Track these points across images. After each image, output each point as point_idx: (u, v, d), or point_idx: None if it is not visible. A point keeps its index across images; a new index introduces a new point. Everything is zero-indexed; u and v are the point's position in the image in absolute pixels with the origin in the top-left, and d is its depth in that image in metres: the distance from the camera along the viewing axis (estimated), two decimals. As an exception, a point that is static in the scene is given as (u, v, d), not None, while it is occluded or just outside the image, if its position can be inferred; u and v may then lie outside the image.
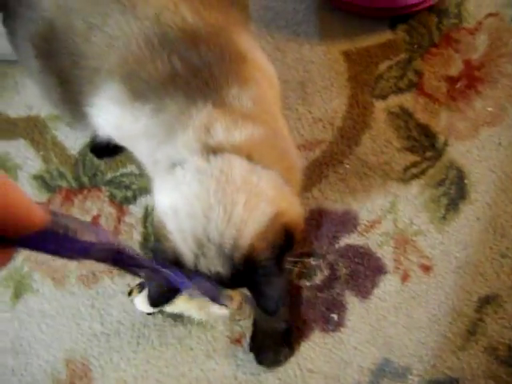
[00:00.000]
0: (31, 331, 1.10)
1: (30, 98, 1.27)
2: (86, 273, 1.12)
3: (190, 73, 0.76)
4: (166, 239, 0.72)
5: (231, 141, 0.74)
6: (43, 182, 1.21)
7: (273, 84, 0.87)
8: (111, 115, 0.82)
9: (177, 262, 0.71)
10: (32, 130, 1.26)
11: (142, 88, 0.78)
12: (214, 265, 0.70)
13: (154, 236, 0.77)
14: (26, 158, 1.24)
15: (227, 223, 0.70)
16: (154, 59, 0.77)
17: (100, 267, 1.12)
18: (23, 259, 1.15)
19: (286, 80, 1.22)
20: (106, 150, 1.16)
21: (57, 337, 1.09)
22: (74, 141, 1.22)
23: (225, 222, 0.70)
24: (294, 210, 0.76)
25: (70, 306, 1.10)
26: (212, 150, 0.73)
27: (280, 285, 0.72)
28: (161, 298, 0.74)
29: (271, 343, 1.02)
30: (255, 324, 1.04)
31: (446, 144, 1.13)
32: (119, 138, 0.86)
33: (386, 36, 1.22)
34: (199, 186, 0.71)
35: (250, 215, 0.70)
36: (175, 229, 0.72)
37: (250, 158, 0.73)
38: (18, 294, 1.13)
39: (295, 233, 0.75)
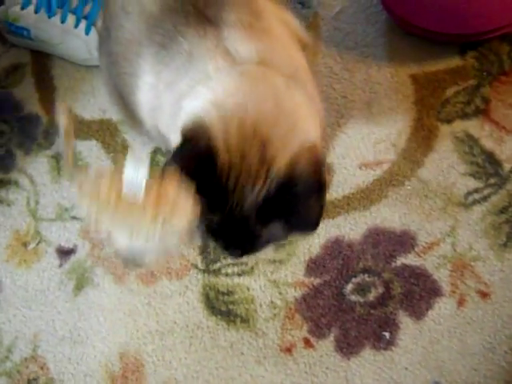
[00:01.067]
0: (89, 323, 1.14)
1: (104, 102, 1.34)
2: (146, 272, 1.16)
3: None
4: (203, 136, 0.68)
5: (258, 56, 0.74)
6: (111, 182, 1.27)
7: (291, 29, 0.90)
8: (148, 90, 0.86)
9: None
10: (104, 132, 1.32)
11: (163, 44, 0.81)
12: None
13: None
14: (96, 158, 1.30)
15: (278, 124, 0.67)
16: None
17: (159, 267, 1.16)
18: (87, 254, 1.20)
19: (353, 100, 1.24)
20: None
21: (113, 330, 1.13)
22: (141, 145, 1.27)
23: (276, 121, 0.67)
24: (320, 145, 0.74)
25: (128, 302, 1.14)
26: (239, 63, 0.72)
27: (321, 202, 0.69)
28: None
29: None
30: None
31: (510, 172, 1.12)
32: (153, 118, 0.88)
33: (455, 62, 1.23)
34: (242, 82, 0.70)
35: (297, 126, 0.69)
36: (218, 123, 0.69)
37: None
38: (79, 287, 1.17)
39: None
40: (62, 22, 1.34)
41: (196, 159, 0.68)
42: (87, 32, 1.34)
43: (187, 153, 0.69)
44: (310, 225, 0.71)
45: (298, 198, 0.68)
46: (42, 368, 1.12)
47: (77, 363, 1.12)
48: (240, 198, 0.69)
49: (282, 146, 0.67)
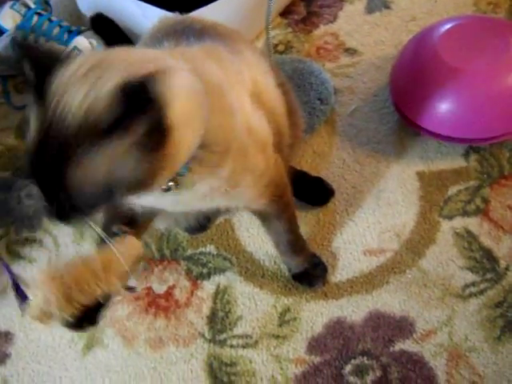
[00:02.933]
0: (95, 383, 1.18)
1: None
2: (154, 336, 1.21)
3: None
4: None
5: None
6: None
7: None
8: None
9: None
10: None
11: None
12: None
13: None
14: (118, 225, 1.38)
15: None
16: None
17: (167, 333, 1.21)
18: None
19: (362, 190, 1.33)
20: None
21: (117, 392, 1.17)
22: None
23: None
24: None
25: (134, 365, 1.19)
26: None
27: None
28: None
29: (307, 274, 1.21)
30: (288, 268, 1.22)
31: (507, 269, 1.18)
32: None
33: (458, 163, 1.33)
34: None
35: None
36: None
37: None
38: (89, 346, 1.22)
39: None
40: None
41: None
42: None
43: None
44: None
45: None
46: (44, 424, 1.15)
47: (79, 422, 1.15)
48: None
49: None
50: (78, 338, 1.24)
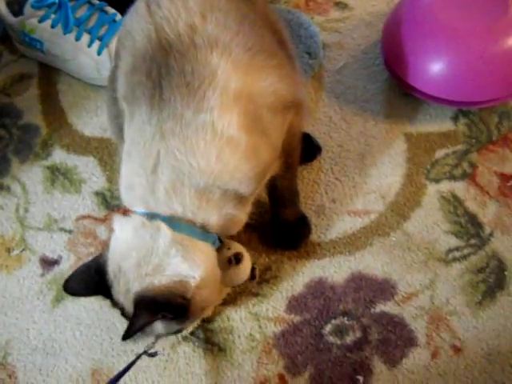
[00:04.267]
0: (65, 336, 1.13)
1: (106, 122, 1.36)
2: (128, 290, 1.16)
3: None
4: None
5: None
6: (103, 199, 1.28)
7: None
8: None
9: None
10: (103, 150, 1.35)
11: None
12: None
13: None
14: (91, 174, 1.32)
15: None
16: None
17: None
18: (70, 266, 1.20)
19: (348, 149, 1.30)
20: None
21: (88, 346, 1.12)
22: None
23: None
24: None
25: (107, 319, 1.14)
26: None
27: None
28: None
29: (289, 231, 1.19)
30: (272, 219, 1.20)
31: (491, 235, 1.17)
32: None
33: (446, 126, 1.30)
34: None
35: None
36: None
37: None
38: (59, 298, 1.17)
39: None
40: (77, 39, 1.38)
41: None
42: (99, 52, 1.38)
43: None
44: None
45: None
46: (10, 376, 1.10)
47: (47, 375, 1.10)
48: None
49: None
50: (47, 289, 1.18)
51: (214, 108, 0.86)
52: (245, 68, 0.89)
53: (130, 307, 0.93)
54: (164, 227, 0.91)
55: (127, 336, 0.88)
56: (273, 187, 1.11)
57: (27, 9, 1.42)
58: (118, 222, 0.96)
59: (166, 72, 0.87)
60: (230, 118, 0.87)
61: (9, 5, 1.45)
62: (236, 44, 0.89)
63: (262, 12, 1.03)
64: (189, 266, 0.91)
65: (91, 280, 0.95)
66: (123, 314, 0.96)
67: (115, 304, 0.96)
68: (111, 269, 0.93)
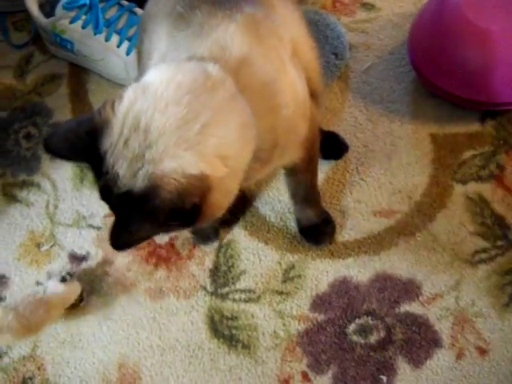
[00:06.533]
0: (92, 330, 1.16)
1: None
2: (154, 287, 1.18)
3: None
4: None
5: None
6: (131, 196, 1.30)
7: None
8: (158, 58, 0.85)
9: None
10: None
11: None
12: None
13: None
14: (120, 172, 1.33)
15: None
16: None
17: (168, 284, 1.18)
18: (98, 262, 1.22)
19: (373, 150, 1.29)
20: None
21: (115, 340, 1.14)
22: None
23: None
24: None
25: (133, 315, 1.16)
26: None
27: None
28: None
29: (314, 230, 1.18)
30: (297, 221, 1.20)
31: (518, 237, 1.16)
32: None
33: (474, 127, 1.29)
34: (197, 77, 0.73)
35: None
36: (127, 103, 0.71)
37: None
38: (87, 293, 1.19)
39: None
40: (107, 40, 1.40)
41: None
42: (128, 53, 1.40)
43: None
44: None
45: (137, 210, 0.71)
46: (39, 368, 1.13)
47: (74, 367, 1.12)
48: (114, 176, 0.71)
49: (166, 155, 0.69)
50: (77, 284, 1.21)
51: None
52: None
53: (131, 182, 0.70)
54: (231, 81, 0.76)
55: (121, 246, 0.75)
56: (294, 185, 1.11)
57: (58, 10, 1.45)
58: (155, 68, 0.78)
59: None
60: None
61: (41, 6, 1.48)
62: None
63: None
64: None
65: (79, 142, 0.73)
66: (108, 187, 0.73)
67: (101, 175, 0.73)
68: (119, 127, 0.71)
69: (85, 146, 0.72)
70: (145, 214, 0.70)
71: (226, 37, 0.80)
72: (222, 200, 0.76)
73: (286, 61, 0.88)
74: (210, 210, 0.74)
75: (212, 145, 0.71)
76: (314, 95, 0.98)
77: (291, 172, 1.07)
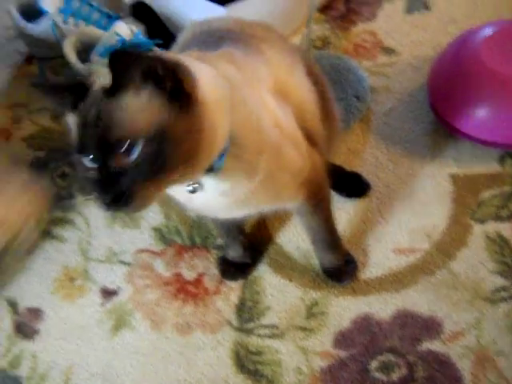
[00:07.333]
0: (122, 363, 1.20)
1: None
2: (182, 322, 1.23)
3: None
4: None
5: None
6: (161, 234, 1.36)
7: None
8: None
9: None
10: (160, 188, 1.43)
11: None
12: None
13: None
14: (150, 210, 1.40)
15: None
16: None
17: (195, 319, 1.22)
18: (128, 297, 1.28)
19: (394, 189, 1.33)
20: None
21: (144, 374, 1.18)
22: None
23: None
24: None
25: (162, 349, 1.20)
26: None
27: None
28: None
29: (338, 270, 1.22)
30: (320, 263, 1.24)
31: (538, 276, 1.18)
32: None
33: (493, 168, 1.33)
34: None
35: None
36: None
37: None
38: (117, 327, 1.24)
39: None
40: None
41: None
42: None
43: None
44: None
45: None
46: (71, 400, 1.18)
47: (105, 400, 1.17)
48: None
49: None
50: (107, 318, 1.26)
51: None
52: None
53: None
54: None
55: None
56: (309, 228, 1.15)
57: (93, 56, 1.54)
58: None
59: None
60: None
61: (78, 53, 1.57)
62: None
63: (307, 64, 1.10)
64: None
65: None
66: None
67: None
68: None
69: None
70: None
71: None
72: (209, 114, 0.78)
73: (262, 90, 0.92)
74: (200, 107, 0.77)
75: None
76: (311, 138, 1.02)
77: (301, 215, 1.11)
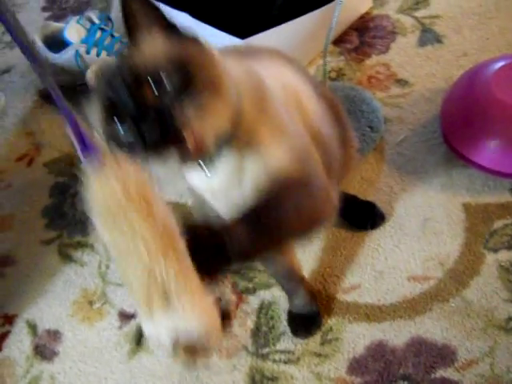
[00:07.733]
0: (139, 386, 1.22)
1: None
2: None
3: None
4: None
5: None
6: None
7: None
8: None
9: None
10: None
11: None
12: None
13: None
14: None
15: None
16: None
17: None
18: (146, 321, 1.30)
19: (408, 218, 1.36)
20: None
21: (160, 397, 1.20)
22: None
23: None
24: None
25: (178, 373, 1.22)
26: None
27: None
28: None
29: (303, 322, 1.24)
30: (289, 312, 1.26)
31: (551, 305, 1.20)
32: None
33: (505, 197, 1.35)
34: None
35: None
36: None
37: None
38: (135, 350, 1.26)
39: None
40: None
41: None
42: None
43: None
44: None
45: None
46: (88, 422, 1.19)
47: (122, 422, 1.18)
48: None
49: None
50: (124, 341, 1.28)
51: None
52: None
53: None
54: None
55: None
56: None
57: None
58: None
59: None
60: None
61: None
62: None
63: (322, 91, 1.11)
64: None
65: None
66: None
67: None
68: None
69: None
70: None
71: None
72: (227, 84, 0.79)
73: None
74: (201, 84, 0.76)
75: None
76: (334, 170, 1.00)
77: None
